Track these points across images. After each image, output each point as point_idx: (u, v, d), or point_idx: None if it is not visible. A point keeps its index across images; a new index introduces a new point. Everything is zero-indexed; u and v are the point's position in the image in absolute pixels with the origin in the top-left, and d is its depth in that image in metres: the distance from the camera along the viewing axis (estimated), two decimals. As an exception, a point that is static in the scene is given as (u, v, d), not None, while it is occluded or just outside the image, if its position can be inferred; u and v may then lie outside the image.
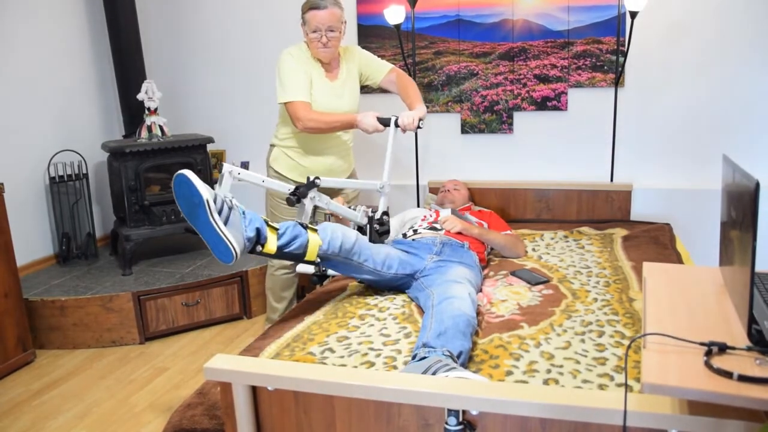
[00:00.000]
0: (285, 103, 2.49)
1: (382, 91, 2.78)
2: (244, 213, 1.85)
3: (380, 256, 2.14)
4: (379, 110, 2.54)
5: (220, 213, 1.77)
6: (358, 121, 2.46)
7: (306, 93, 2.48)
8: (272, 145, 2.75)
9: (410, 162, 3.49)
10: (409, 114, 2.46)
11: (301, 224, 1.99)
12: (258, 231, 1.85)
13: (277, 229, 1.92)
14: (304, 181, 2.61)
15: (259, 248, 1.86)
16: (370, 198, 3.29)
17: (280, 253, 1.92)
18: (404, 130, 2.47)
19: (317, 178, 2.19)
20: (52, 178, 3.36)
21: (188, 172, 1.76)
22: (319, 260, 2.01)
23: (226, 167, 1.96)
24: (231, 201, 1.84)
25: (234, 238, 1.77)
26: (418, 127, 2.46)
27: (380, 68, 2.71)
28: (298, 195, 2.15)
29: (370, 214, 2.39)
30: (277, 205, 2.70)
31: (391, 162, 2.50)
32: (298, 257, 1.97)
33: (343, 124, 2.49)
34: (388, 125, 2.47)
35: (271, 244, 1.88)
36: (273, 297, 2.81)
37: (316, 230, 2.01)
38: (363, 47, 3.45)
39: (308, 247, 1.96)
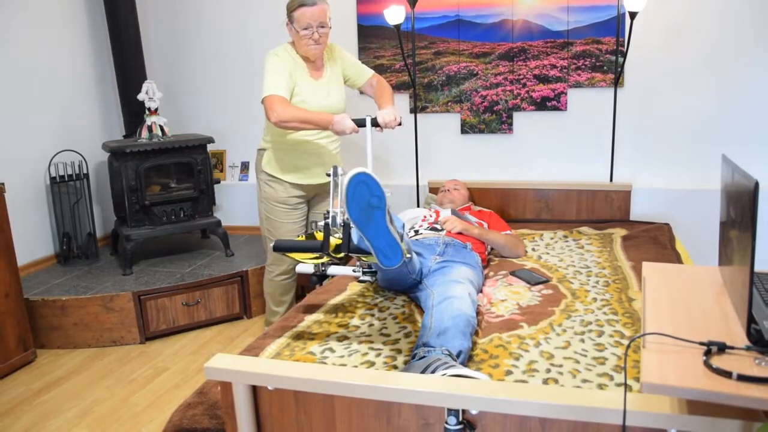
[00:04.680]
0: (263, 99, 2.45)
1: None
2: None
3: (415, 256, 2.07)
4: (365, 110, 2.52)
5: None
6: (334, 122, 2.40)
7: (285, 89, 2.45)
8: (262, 149, 2.72)
9: (410, 162, 3.49)
10: (387, 111, 2.45)
11: None
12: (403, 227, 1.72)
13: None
14: (299, 182, 2.63)
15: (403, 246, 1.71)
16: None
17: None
18: (383, 129, 2.46)
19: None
20: (52, 178, 3.36)
21: (370, 171, 1.59)
22: (409, 256, 1.86)
23: (340, 169, 1.87)
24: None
25: (399, 237, 1.65)
26: (399, 124, 2.47)
27: (363, 72, 2.73)
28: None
29: None
30: (273, 210, 2.68)
31: (372, 161, 2.49)
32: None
33: (317, 122, 2.43)
34: (364, 125, 2.46)
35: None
36: (272, 301, 2.81)
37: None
38: (363, 47, 3.47)
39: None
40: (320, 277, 2.27)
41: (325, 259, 1.91)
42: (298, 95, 2.51)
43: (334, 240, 1.82)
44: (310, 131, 2.56)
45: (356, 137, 2.65)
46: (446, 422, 1.25)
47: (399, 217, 2.73)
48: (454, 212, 2.72)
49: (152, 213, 3.30)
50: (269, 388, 1.38)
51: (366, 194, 1.57)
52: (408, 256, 1.80)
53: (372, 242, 1.61)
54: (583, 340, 1.76)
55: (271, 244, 1.90)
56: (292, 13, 2.46)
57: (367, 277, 2.04)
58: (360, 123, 2.44)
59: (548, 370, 1.59)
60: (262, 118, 2.51)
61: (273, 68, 2.47)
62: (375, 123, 2.45)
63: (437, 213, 2.70)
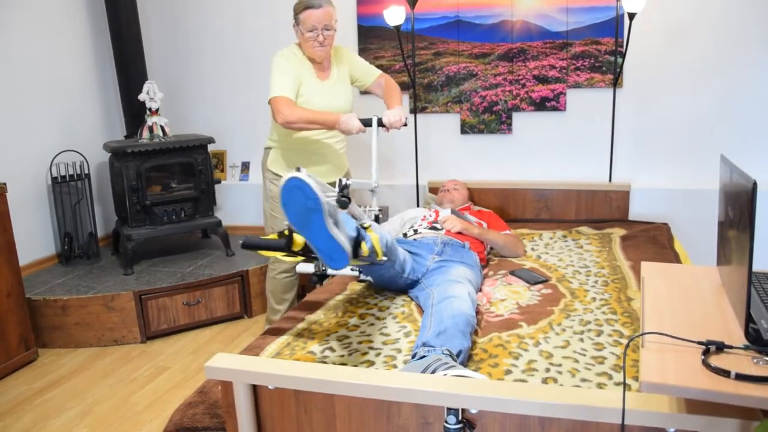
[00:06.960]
0: (269, 100, 2.48)
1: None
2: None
3: (401, 257, 2.11)
4: (372, 111, 2.54)
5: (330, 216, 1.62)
6: (340, 122, 2.43)
7: (291, 90, 2.47)
8: (268, 148, 2.74)
9: (410, 162, 3.50)
10: (393, 112, 2.46)
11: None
12: (358, 230, 1.72)
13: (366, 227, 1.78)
14: None
15: (360, 251, 1.73)
16: (361, 197, 3.32)
17: (370, 253, 1.78)
18: (389, 129, 2.47)
19: (347, 178, 2.13)
20: (54, 178, 3.37)
21: (304, 176, 1.56)
22: (386, 259, 1.90)
23: (304, 170, 1.89)
24: (335, 202, 1.69)
25: (346, 240, 1.63)
26: (404, 124, 2.48)
27: (371, 72, 2.73)
28: (348, 197, 2.05)
29: (376, 213, 2.40)
30: (277, 208, 2.70)
31: (378, 161, 2.50)
32: (374, 257, 1.85)
33: (324, 122, 2.45)
34: (370, 125, 2.47)
35: (368, 243, 1.75)
36: (274, 299, 2.82)
37: (368, 226, 1.88)
38: (363, 48, 3.47)
39: (376, 245, 1.83)
40: (320, 276, 2.29)
41: (298, 259, 1.89)
42: (304, 95, 2.52)
43: (300, 239, 1.81)
44: (317, 131, 2.58)
45: (363, 137, 2.66)
46: (446, 421, 1.26)
47: (390, 219, 2.76)
48: (453, 212, 2.72)
49: (153, 213, 3.31)
50: (269, 387, 1.38)
51: (302, 198, 1.55)
52: (383, 259, 1.84)
53: (315, 245, 1.60)
54: (582, 340, 1.77)
55: (240, 241, 1.90)
56: (298, 15, 2.48)
57: (368, 277, 2.06)
58: (366, 123, 2.46)
59: (547, 370, 1.60)
60: (264, 118, 2.52)
61: (279, 69, 2.49)
62: (381, 123, 2.46)
63: (437, 213, 2.71)
